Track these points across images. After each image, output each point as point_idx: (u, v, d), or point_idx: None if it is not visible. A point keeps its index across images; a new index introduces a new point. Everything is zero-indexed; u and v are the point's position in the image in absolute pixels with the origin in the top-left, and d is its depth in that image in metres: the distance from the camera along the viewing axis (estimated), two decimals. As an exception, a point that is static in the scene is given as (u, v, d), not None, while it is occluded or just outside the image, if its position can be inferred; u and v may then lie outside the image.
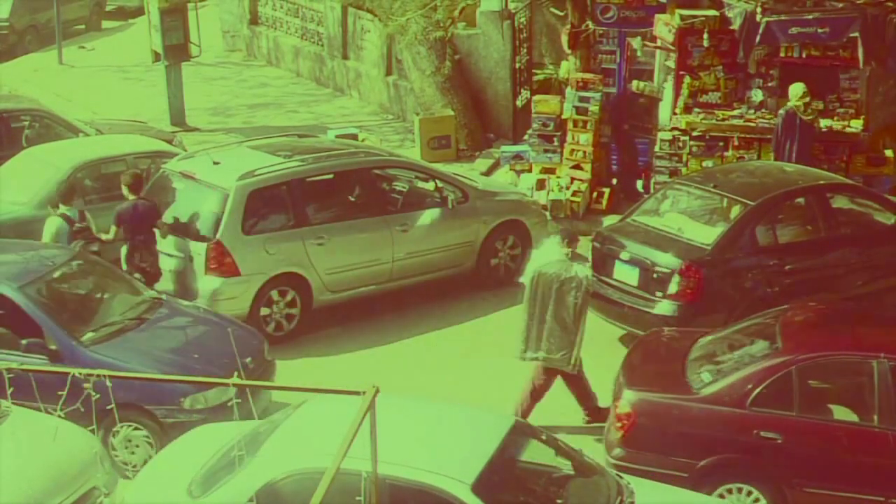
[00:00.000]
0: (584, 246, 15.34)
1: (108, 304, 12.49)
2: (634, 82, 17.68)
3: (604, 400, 12.08)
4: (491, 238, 15.61)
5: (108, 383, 7.97)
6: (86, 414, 8.77)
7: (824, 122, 16.21)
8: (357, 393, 7.63)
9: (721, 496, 10.41)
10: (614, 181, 17.93)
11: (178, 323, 12.58)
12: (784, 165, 15.36)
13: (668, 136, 16.81)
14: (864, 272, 13.90)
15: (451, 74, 20.32)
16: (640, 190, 17.39)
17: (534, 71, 20.48)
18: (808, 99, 15.76)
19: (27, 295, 11.79)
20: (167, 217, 14.44)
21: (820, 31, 16.07)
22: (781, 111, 15.99)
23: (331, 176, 15.00)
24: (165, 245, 14.24)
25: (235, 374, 7.84)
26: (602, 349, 13.49)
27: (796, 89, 15.83)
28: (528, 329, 11.95)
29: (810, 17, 16.05)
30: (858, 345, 10.82)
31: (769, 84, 16.83)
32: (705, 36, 16.65)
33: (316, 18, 24.37)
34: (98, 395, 8.16)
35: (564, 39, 18.03)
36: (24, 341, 11.49)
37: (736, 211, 13.83)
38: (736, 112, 16.79)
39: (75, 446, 10.23)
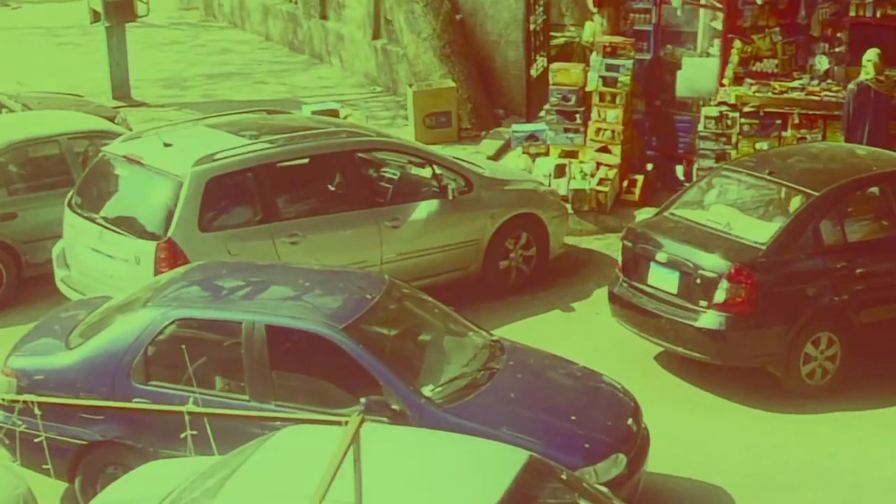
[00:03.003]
0: (614, 245, 15.36)
1: (439, 349, 11.87)
2: (668, 48, 17.68)
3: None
4: (500, 236, 15.62)
5: (37, 411, 7.98)
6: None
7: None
8: (338, 422, 7.61)
9: None
10: (649, 167, 17.94)
11: (534, 375, 11.86)
12: (855, 148, 15.36)
13: (714, 112, 16.81)
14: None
15: (451, 38, 20.33)
16: (681, 178, 17.39)
17: (552, 34, 20.47)
18: (882, 68, 15.76)
19: (354, 338, 11.19)
20: (108, 209, 14.43)
21: (898, -16, 16.13)
22: (852, 84, 15.98)
23: (306, 161, 15.01)
24: (104, 244, 14.23)
25: (191, 400, 7.80)
26: (634, 370, 13.49)
27: (869, 56, 15.83)
28: None
29: (887, -34, 16.12)
30: None
31: (836, 49, 16.84)
32: (759, -9, 16.68)
33: (289, -30, 24.46)
34: (24, 426, 8.15)
35: (589, -5, 18.06)
36: (363, 399, 10.88)
37: (796, 203, 13.82)
38: (796, 83, 16.79)
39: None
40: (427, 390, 11.12)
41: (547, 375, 11.91)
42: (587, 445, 10.95)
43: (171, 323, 11.46)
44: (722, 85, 16.93)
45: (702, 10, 17.39)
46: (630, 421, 11.42)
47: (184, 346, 11.10)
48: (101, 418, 11.31)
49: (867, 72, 15.85)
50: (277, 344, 11.32)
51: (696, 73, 17.24)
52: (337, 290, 12.02)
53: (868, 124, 15.74)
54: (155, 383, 11.31)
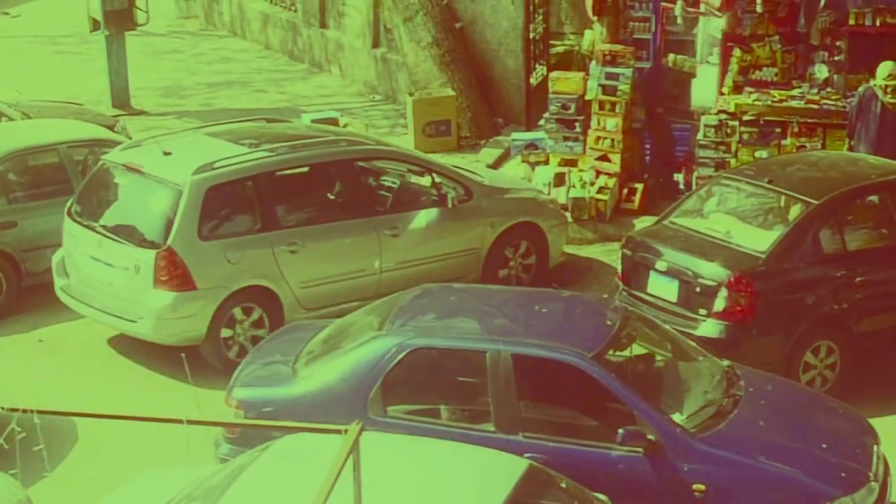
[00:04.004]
0: (614, 253, 15.36)
1: (678, 375, 11.55)
2: (671, 56, 17.68)
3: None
4: (499, 244, 15.62)
5: (36, 420, 7.97)
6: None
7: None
8: (338, 431, 7.62)
9: None
10: (647, 176, 17.93)
11: (776, 401, 11.59)
12: (855, 156, 15.36)
13: (713, 120, 16.82)
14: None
15: (451, 46, 20.33)
16: (681, 186, 17.39)
17: (551, 42, 20.48)
18: (894, 82, 15.71)
19: (605, 367, 10.84)
20: (108, 218, 14.44)
21: (899, -8, 16.14)
22: (860, 89, 15.97)
23: (306, 169, 15.02)
24: (104, 252, 14.23)
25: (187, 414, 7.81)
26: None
27: (885, 69, 15.77)
28: None
29: (886, -25, 16.13)
30: None
31: (835, 58, 16.84)
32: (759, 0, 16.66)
33: (288, -21, 24.46)
34: (23, 433, 8.15)
35: (589, 4, 18.04)
36: (620, 430, 10.53)
37: (796, 211, 13.83)
38: (796, 92, 16.79)
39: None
40: (678, 419, 10.80)
41: (787, 401, 11.63)
42: (843, 474, 10.63)
43: (410, 352, 11.02)
44: (721, 93, 16.94)
45: (702, 18, 17.38)
46: (874, 447, 11.08)
47: (424, 377, 10.99)
48: None
49: (879, 81, 15.78)
50: (524, 373, 10.87)
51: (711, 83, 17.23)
52: (576, 317, 11.76)
53: (877, 133, 15.68)
54: (394, 415, 10.93)
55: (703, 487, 10.43)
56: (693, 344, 11.98)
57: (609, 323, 11.39)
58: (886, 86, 15.74)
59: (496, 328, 11.40)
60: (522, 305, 11.98)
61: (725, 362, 11.76)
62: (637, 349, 11.52)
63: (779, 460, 10.60)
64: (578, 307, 12.04)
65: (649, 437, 10.53)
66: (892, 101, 15.78)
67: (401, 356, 11.01)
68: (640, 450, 10.55)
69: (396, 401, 11.02)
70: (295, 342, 12.07)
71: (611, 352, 11.10)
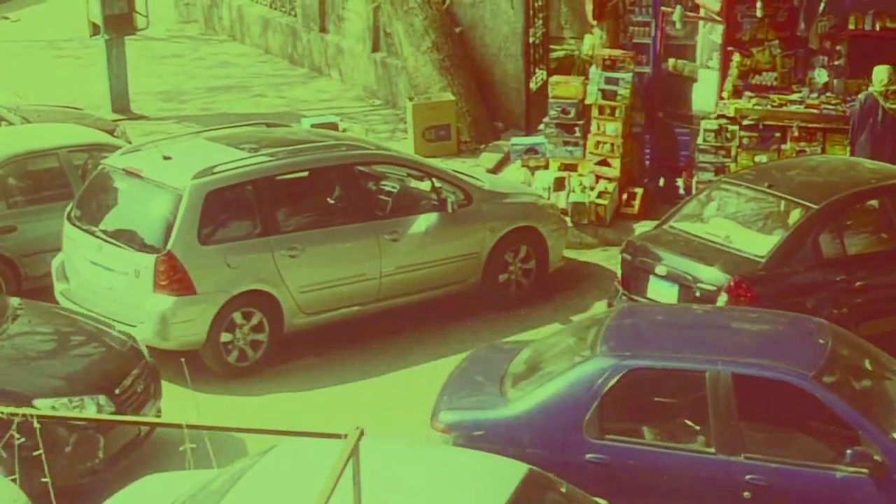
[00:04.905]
0: (614, 258, 15.36)
1: (887, 394, 11.28)
2: (671, 61, 17.70)
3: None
4: (499, 249, 15.62)
5: (36, 424, 7.99)
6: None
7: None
8: (337, 436, 7.61)
9: None
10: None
11: None
12: (855, 161, 15.37)
13: (713, 125, 16.82)
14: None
15: (451, 51, 20.34)
16: (681, 191, 17.39)
17: (551, 47, 20.49)
18: (893, 86, 15.72)
19: (827, 387, 10.62)
20: (107, 222, 14.44)
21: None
22: (860, 96, 15.99)
23: (306, 174, 15.02)
24: (104, 257, 14.23)
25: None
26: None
27: (880, 73, 15.80)
28: None
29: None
30: None
31: (835, 62, 16.86)
32: (758, 4, 16.67)
33: (288, -17, 24.47)
34: (22, 439, 8.14)
35: (589, 8, 18.07)
36: (848, 451, 10.38)
37: (796, 216, 13.83)
38: (795, 96, 16.80)
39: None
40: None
41: None
42: None
43: (626, 373, 10.80)
44: (721, 98, 16.94)
45: (701, 23, 17.40)
46: None
47: (640, 398, 10.86)
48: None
49: (877, 87, 15.80)
50: (744, 393, 10.66)
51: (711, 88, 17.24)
52: (787, 335, 11.57)
53: (875, 139, 15.70)
54: (611, 438, 10.72)
55: None
56: (892, 358, 11.66)
57: (822, 341, 11.17)
58: (886, 91, 15.75)
59: (712, 347, 11.16)
60: (728, 324, 11.85)
61: None
62: (849, 367, 11.28)
63: None
64: (784, 325, 11.79)
65: (876, 457, 10.36)
66: (894, 106, 15.79)
67: (617, 377, 10.77)
68: (865, 471, 10.37)
69: (613, 422, 10.82)
70: (493, 364, 11.81)
71: (829, 372, 10.83)
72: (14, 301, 13.13)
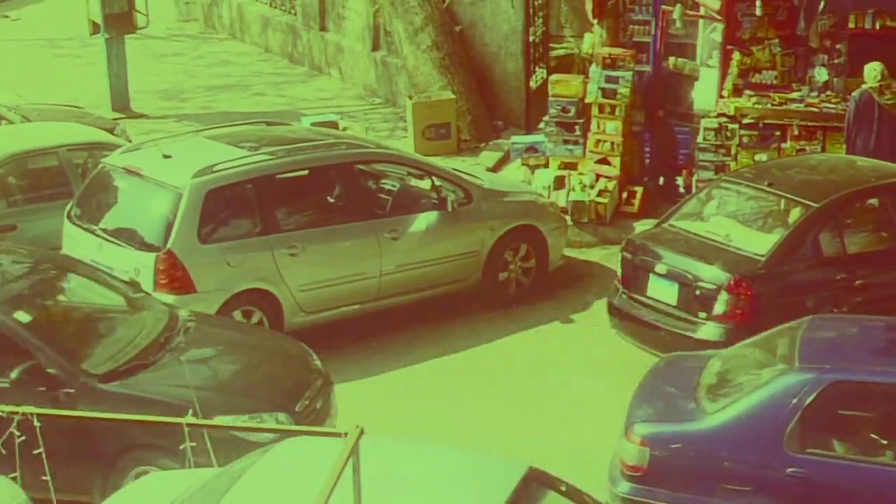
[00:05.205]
0: (614, 256, 15.37)
1: None
2: (671, 59, 17.70)
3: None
4: (499, 247, 15.63)
5: (36, 423, 7.99)
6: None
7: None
8: (337, 434, 7.62)
9: None
10: (647, 179, 17.93)
11: None
12: (855, 160, 15.37)
13: (713, 123, 16.82)
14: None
15: (451, 49, 20.33)
16: (681, 189, 17.39)
17: (551, 45, 20.49)
18: (886, 81, 15.74)
19: None
20: (107, 221, 14.44)
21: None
22: (855, 94, 15.99)
23: (305, 172, 15.03)
24: (104, 256, 14.23)
25: (189, 412, 7.84)
26: (633, 382, 13.48)
27: (872, 70, 15.82)
28: None
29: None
30: None
31: (835, 61, 16.86)
32: (758, 3, 16.67)
33: (288, -18, 24.48)
34: (23, 437, 8.14)
35: (589, 7, 18.07)
36: None
37: (796, 214, 13.83)
38: (795, 95, 16.81)
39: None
40: None
41: None
42: None
43: (828, 386, 10.61)
44: (721, 96, 16.94)
45: (701, 22, 17.41)
46: None
47: (843, 411, 10.74)
48: (749, 489, 10.64)
49: (869, 84, 15.82)
50: None
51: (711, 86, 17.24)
52: None
53: (872, 136, 15.72)
54: (812, 452, 10.54)
55: None
56: None
57: None
58: (881, 86, 15.76)
59: None
60: None
61: None
62: None
63: None
64: None
65: None
66: (890, 101, 15.80)
67: (817, 390, 10.59)
68: None
69: (813, 436, 10.65)
70: (683, 376, 11.68)
71: None
72: (183, 313, 12.75)
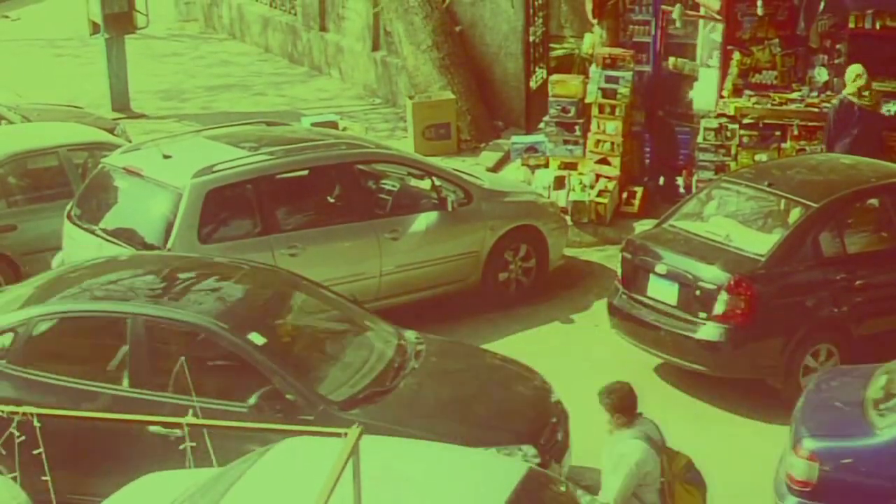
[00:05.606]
0: (614, 256, 15.37)
1: None
2: (671, 59, 17.70)
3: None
4: (499, 247, 15.63)
5: (36, 423, 8.00)
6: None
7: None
8: (338, 434, 7.62)
9: None
10: (647, 179, 17.93)
11: None
12: (854, 160, 15.36)
13: (713, 124, 16.82)
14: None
15: (451, 49, 20.33)
16: (681, 189, 17.40)
17: (551, 45, 20.49)
18: (863, 82, 15.73)
19: None
20: (107, 221, 14.44)
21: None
22: (835, 101, 16.03)
23: (305, 172, 15.02)
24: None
25: (190, 412, 7.83)
26: (633, 382, 13.46)
27: (851, 73, 15.81)
28: None
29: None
30: None
31: (835, 61, 16.86)
32: (759, 3, 16.67)
33: (288, -18, 24.48)
34: (22, 437, 8.15)
35: (589, 7, 18.07)
36: None
37: (795, 214, 13.83)
38: (795, 95, 16.81)
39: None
40: None
41: None
42: None
43: None
44: (721, 96, 16.95)
45: (701, 22, 17.41)
46: None
47: None
48: None
49: (849, 88, 15.83)
50: None
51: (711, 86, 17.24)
52: None
53: (852, 139, 15.71)
54: None
55: None
56: None
57: None
58: (858, 90, 15.76)
59: None
60: None
61: None
62: None
63: None
64: None
65: None
66: (868, 102, 15.79)
67: None
68: None
69: None
70: (848, 390, 11.52)
71: None
72: (410, 334, 12.24)
